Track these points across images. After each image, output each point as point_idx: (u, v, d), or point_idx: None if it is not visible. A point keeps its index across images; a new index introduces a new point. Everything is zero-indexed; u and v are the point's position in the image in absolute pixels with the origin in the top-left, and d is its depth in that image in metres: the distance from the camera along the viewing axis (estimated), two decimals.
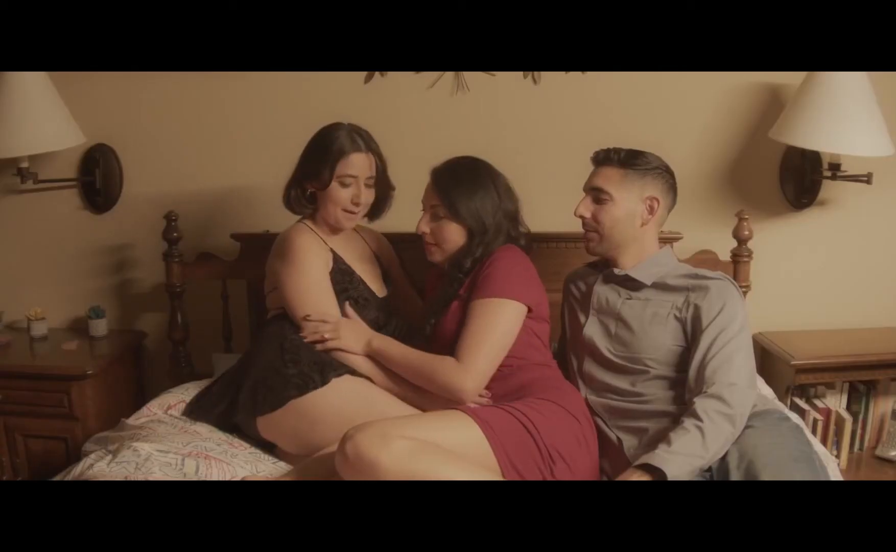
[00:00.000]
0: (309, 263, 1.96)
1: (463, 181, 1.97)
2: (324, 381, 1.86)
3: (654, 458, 1.57)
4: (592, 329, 1.93)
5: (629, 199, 1.89)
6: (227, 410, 2.00)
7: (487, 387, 1.90)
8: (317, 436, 1.80)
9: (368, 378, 1.93)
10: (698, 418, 1.61)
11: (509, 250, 1.95)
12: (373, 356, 1.94)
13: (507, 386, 1.89)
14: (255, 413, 1.91)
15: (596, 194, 1.92)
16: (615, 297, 1.93)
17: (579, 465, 1.74)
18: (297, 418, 1.85)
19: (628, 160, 1.90)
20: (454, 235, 1.97)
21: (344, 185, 1.99)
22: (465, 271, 1.95)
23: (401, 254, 2.31)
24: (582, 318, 1.97)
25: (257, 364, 1.96)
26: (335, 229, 2.06)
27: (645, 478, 1.57)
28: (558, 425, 1.74)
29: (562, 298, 2.10)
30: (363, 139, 2.03)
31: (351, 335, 1.94)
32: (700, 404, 1.64)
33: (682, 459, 1.56)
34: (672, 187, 1.95)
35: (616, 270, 1.94)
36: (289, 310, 1.96)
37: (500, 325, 1.85)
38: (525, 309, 1.89)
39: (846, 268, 2.61)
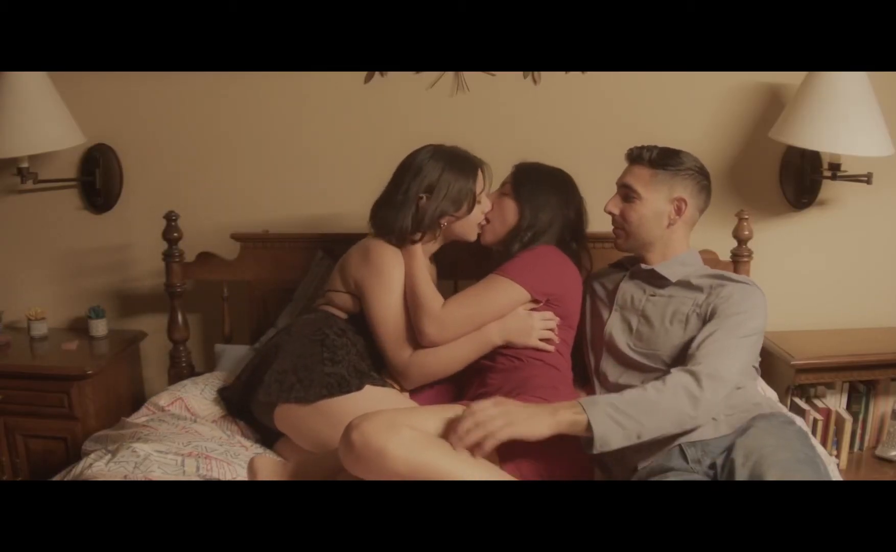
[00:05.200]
0: (399, 285, 1.97)
1: (538, 172, 2.06)
2: (359, 387, 1.87)
3: (587, 400, 1.61)
4: (614, 325, 1.94)
5: (657, 200, 1.90)
6: (249, 389, 1.98)
7: (490, 381, 1.93)
8: (337, 439, 1.79)
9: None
10: (662, 385, 1.63)
11: (548, 248, 2.00)
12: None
13: (509, 380, 1.91)
14: (278, 399, 1.88)
15: (625, 192, 1.94)
16: (640, 294, 1.94)
17: (573, 461, 1.75)
18: (323, 418, 1.84)
19: (659, 160, 1.91)
20: (508, 214, 2.03)
21: (479, 201, 2.04)
22: (511, 255, 1.99)
23: None
24: (605, 315, 1.99)
25: (291, 351, 1.94)
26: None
27: (577, 416, 1.57)
28: None
29: (581, 298, 2.10)
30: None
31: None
32: (673, 376, 1.65)
33: (613, 413, 1.58)
34: (704, 188, 1.95)
35: (643, 265, 1.95)
36: (374, 323, 1.96)
37: (490, 297, 1.93)
38: (525, 295, 1.93)
39: (846, 268, 2.61)
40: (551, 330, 1.96)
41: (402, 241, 1.98)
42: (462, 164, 2.00)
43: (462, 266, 2.24)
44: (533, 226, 2.00)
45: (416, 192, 1.97)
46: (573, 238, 2.07)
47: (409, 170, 2.00)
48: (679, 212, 1.91)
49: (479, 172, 2.03)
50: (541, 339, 1.94)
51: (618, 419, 1.58)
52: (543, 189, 2.03)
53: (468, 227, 2.04)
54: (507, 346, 1.94)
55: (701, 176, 1.94)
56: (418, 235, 1.97)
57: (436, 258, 2.14)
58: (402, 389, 1.99)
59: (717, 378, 1.67)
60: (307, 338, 1.96)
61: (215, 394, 2.15)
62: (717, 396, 1.68)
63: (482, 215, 2.05)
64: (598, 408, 1.59)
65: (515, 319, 1.93)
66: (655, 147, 1.93)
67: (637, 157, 1.94)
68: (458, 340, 1.93)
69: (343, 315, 2.04)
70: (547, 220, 2.01)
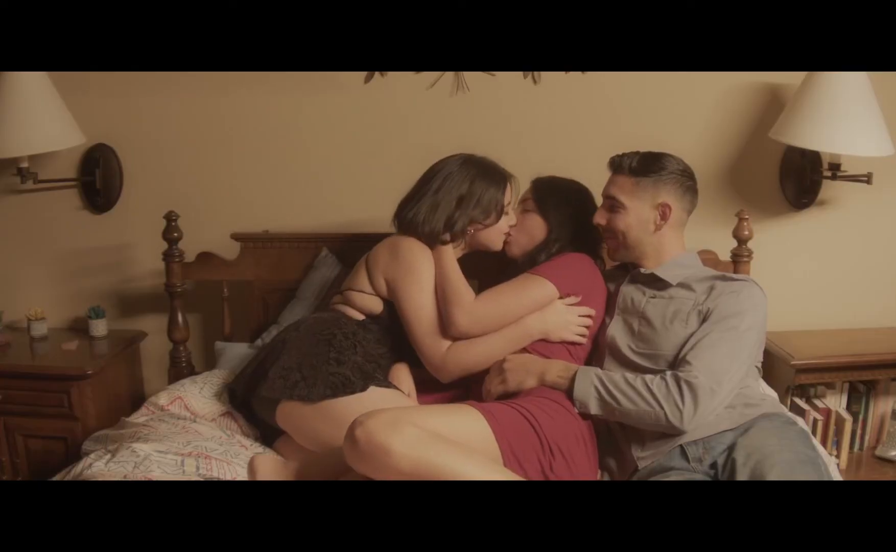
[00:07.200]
0: (431, 280, 1.98)
1: (559, 186, 2.09)
2: (363, 388, 1.87)
3: (582, 369, 1.80)
4: (616, 329, 1.94)
5: (641, 208, 1.91)
6: (253, 383, 1.98)
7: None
8: (338, 440, 1.76)
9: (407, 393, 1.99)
10: (654, 385, 1.70)
11: (578, 254, 2.03)
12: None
13: None
14: (281, 395, 1.88)
15: (610, 202, 1.95)
16: (640, 297, 1.94)
17: (578, 463, 1.75)
18: (325, 417, 1.83)
19: (640, 168, 1.91)
20: (535, 229, 2.06)
21: (506, 212, 2.06)
22: (537, 264, 2.00)
23: None
24: (607, 319, 1.99)
25: (298, 348, 1.94)
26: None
27: (561, 380, 1.81)
28: (559, 422, 1.76)
29: (604, 301, 2.10)
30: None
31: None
32: (666, 383, 1.70)
33: (599, 385, 1.76)
34: (689, 189, 1.95)
35: (642, 269, 1.95)
36: (408, 319, 1.97)
37: (524, 294, 1.94)
38: (556, 292, 1.94)
39: (846, 268, 2.61)
40: (587, 326, 1.97)
41: (432, 241, 2.00)
42: (493, 173, 2.05)
43: (466, 266, 2.24)
44: (560, 239, 2.03)
45: (447, 197, 2.00)
46: (591, 249, 2.08)
47: (438, 174, 2.03)
48: (664, 217, 1.91)
49: (508, 184, 2.07)
50: (576, 334, 1.96)
51: (599, 390, 1.76)
52: (567, 203, 2.06)
53: (494, 236, 2.07)
54: (538, 341, 1.95)
55: (685, 177, 1.94)
56: (448, 236, 2.00)
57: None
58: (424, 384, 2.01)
59: (708, 388, 1.67)
60: (315, 336, 1.96)
61: (215, 393, 2.14)
62: (710, 404, 1.68)
63: (507, 226, 2.08)
64: (587, 378, 1.79)
65: (554, 313, 1.94)
66: (637, 153, 1.94)
67: (618, 165, 1.95)
68: (496, 333, 1.93)
69: (358, 316, 2.04)
70: (571, 232, 2.04)
